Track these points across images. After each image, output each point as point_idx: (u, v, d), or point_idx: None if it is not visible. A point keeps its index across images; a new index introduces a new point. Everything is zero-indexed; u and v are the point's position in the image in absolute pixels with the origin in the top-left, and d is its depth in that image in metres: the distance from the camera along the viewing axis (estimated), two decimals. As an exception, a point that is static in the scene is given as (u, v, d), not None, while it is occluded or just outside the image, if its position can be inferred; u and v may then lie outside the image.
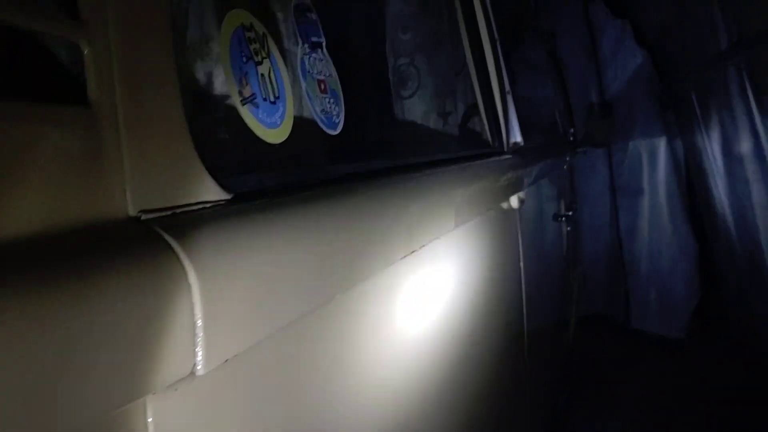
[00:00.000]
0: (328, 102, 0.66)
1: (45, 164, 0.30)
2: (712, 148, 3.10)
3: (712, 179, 3.20)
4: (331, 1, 0.92)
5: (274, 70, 0.56)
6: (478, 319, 1.09)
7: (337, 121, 0.68)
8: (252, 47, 0.54)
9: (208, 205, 0.40)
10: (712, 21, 2.29)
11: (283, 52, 0.62)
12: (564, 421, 2.71)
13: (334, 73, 0.69)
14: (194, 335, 0.34)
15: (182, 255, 0.34)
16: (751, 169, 2.37)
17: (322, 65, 0.67)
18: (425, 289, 0.82)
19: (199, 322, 0.34)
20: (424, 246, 0.78)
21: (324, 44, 0.68)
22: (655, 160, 4.10)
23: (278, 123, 0.55)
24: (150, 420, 0.34)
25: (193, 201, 0.39)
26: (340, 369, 0.53)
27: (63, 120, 0.32)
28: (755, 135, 2.10)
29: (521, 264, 1.48)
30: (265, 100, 0.54)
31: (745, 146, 2.37)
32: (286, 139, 0.57)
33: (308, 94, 0.63)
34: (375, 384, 0.63)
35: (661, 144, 4.07)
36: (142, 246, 0.33)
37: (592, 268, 4.20)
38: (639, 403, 3.17)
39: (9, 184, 0.29)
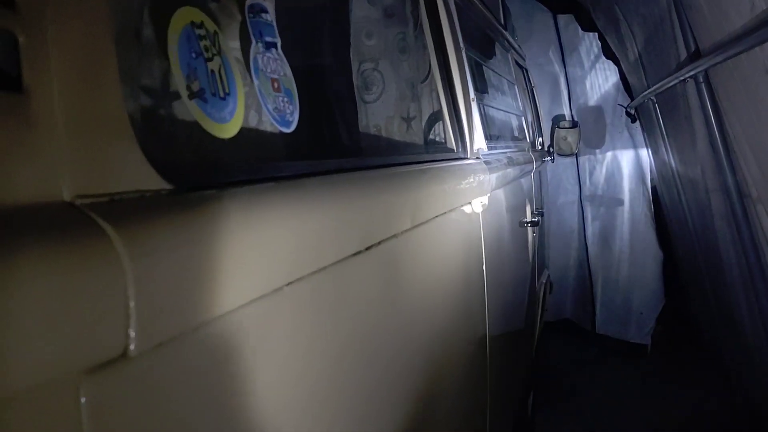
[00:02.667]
0: (282, 100, 0.67)
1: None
2: (675, 158, 3.19)
3: (675, 189, 3.28)
4: (294, 4, 0.94)
5: (224, 67, 0.57)
6: (436, 320, 1.10)
7: (290, 119, 0.69)
8: (202, 44, 0.55)
9: (147, 194, 0.41)
10: (672, 34, 2.36)
11: (236, 51, 0.63)
12: (530, 424, 2.74)
13: (289, 73, 0.70)
14: (127, 317, 0.35)
15: (116, 239, 0.35)
16: (711, 179, 2.45)
17: (276, 64, 0.68)
18: (382, 285, 0.83)
19: (132, 304, 0.35)
20: (380, 244, 0.80)
21: (279, 44, 0.69)
22: (622, 170, 4.20)
23: (228, 118, 0.57)
24: (83, 400, 0.34)
25: (131, 189, 0.40)
26: (282, 362, 0.54)
27: (-5, 105, 0.32)
28: (713, 146, 2.16)
29: (484, 267, 1.51)
30: (214, 95, 0.55)
31: (703, 156, 2.45)
32: (237, 135, 0.58)
33: (260, 92, 0.64)
34: (322, 382, 0.64)
35: (628, 154, 4.18)
36: (74, 229, 0.34)
37: (561, 274, 4.27)
38: (604, 408, 3.23)
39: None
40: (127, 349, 0.35)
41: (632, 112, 4.04)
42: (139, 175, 0.41)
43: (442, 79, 1.48)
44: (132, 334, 0.35)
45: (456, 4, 1.67)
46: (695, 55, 2.10)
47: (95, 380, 0.35)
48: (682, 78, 2.18)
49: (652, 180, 4.10)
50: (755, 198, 1.89)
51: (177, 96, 0.51)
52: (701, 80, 2.05)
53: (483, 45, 2.31)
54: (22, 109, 0.33)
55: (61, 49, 0.36)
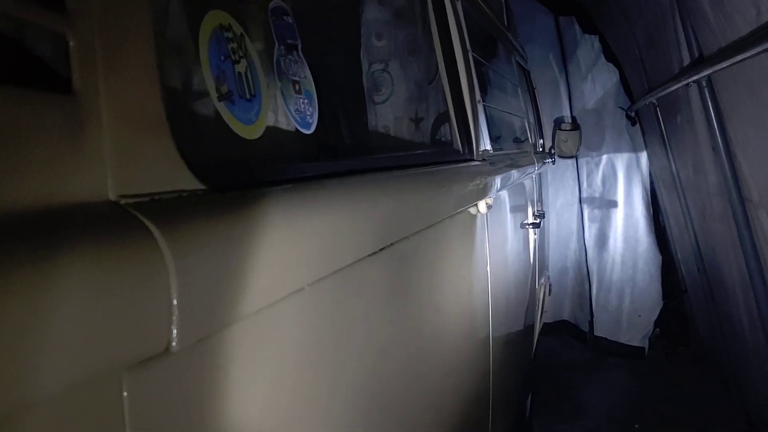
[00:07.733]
0: (302, 102, 0.68)
1: (30, 147, 0.32)
2: (676, 161, 3.20)
3: (675, 192, 3.30)
4: (308, 6, 0.94)
5: (250, 70, 0.58)
6: (444, 320, 1.11)
7: (310, 121, 0.70)
8: (230, 46, 0.56)
9: (184, 194, 0.42)
10: (675, 38, 2.37)
11: (260, 53, 0.64)
12: (529, 424, 2.75)
13: (309, 75, 0.71)
14: (170, 314, 0.36)
15: (159, 238, 0.36)
16: (711, 182, 2.46)
17: (297, 67, 0.69)
18: (394, 285, 0.84)
19: (175, 302, 0.36)
20: (392, 245, 0.81)
21: (299, 46, 0.70)
22: (621, 172, 4.22)
23: (254, 120, 0.58)
24: (125, 394, 0.35)
25: (170, 189, 0.41)
26: (308, 356, 0.56)
27: (48, 107, 0.33)
28: (715, 150, 2.18)
29: (488, 268, 1.52)
30: (241, 97, 0.56)
31: (705, 160, 2.46)
32: (261, 136, 0.59)
33: (283, 94, 0.65)
34: (340, 376, 0.65)
35: (628, 157, 4.20)
36: (121, 228, 0.35)
37: (560, 276, 4.28)
38: (601, 409, 3.24)
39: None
40: (169, 345, 0.36)
41: (632, 114, 4.05)
42: (176, 176, 0.42)
43: (449, 80, 1.49)
44: (174, 330, 0.36)
45: (463, 6, 1.68)
46: (699, 60, 2.12)
47: (138, 375, 0.35)
48: (685, 82, 2.20)
49: (650, 183, 4.12)
50: (757, 202, 1.90)
51: (207, 98, 0.52)
52: (704, 85, 2.07)
53: (488, 47, 2.33)
54: (71, 111, 0.34)
55: (106, 52, 0.37)
